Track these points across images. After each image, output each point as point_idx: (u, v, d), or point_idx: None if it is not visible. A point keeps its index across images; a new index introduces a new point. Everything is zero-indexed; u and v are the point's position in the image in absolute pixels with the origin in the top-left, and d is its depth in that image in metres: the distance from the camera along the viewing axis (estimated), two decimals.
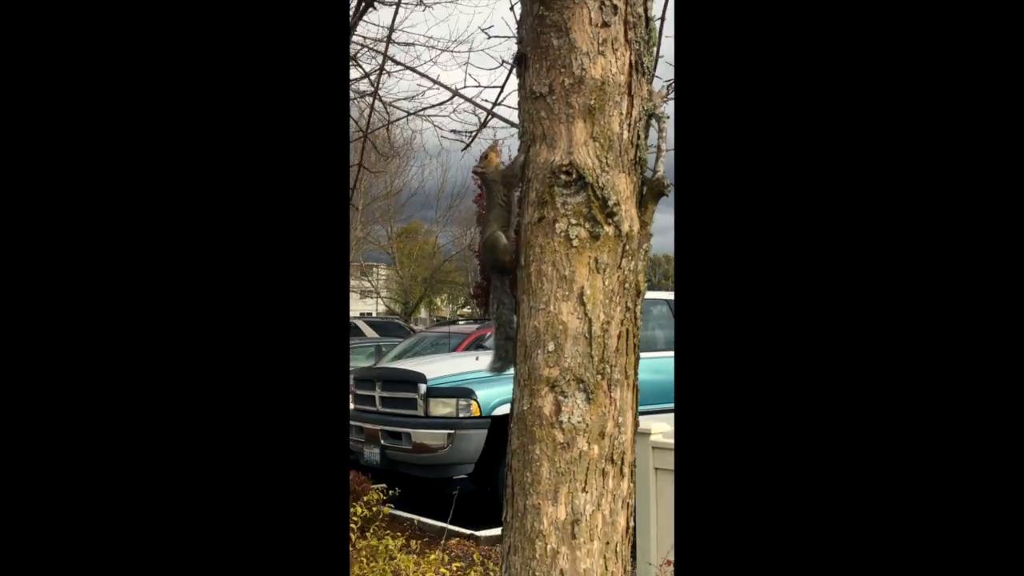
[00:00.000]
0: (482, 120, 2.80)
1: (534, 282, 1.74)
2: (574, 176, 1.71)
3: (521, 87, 1.82)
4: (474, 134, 2.78)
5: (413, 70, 2.37)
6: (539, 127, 1.76)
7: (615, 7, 1.72)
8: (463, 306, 32.99)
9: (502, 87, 2.60)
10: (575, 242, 1.71)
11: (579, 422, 1.68)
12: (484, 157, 1.96)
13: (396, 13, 2.25)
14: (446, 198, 28.42)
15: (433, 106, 2.42)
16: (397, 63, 2.38)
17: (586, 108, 1.72)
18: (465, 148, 2.90)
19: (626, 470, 1.74)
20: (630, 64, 1.75)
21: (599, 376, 1.70)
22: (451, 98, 2.35)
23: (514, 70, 2.88)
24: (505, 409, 6.21)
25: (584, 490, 1.67)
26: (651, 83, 1.82)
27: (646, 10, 1.79)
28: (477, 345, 8.39)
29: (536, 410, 1.70)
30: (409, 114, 2.69)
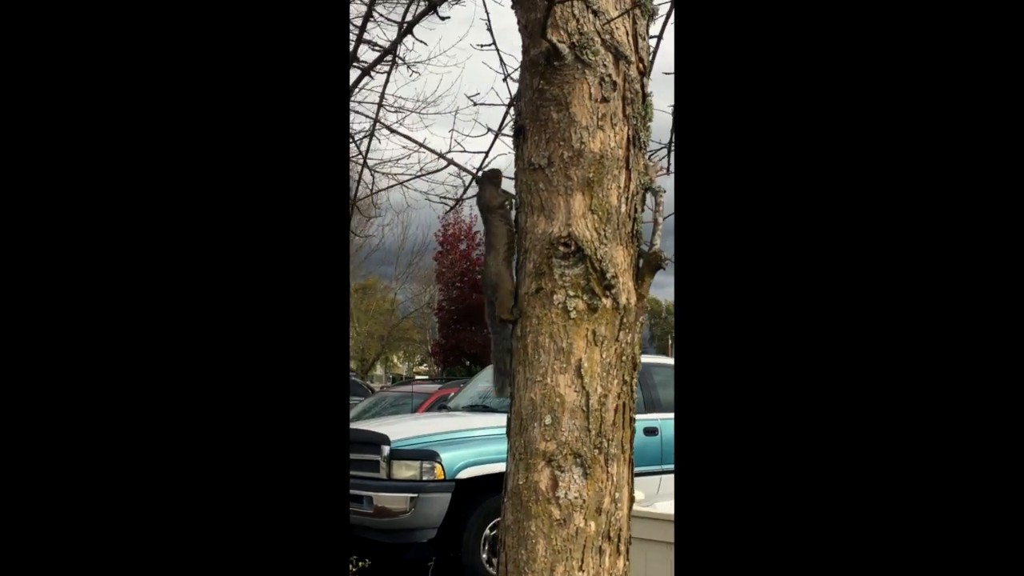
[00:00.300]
0: (467, 184, 2.79)
1: (531, 353, 1.72)
2: (572, 248, 1.71)
3: (519, 158, 1.83)
4: (459, 198, 2.77)
5: (409, 138, 2.37)
6: (537, 198, 1.77)
7: (614, 83, 1.75)
8: (420, 364, 32.73)
9: (487, 153, 2.59)
10: (573, 314, 1.70)
11: (576, 498, 1.65)
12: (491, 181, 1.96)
13: (388, 79, 2.26)
14: (406, 255, 28.38)
15: (427, 173, 2.41)
16: (391, 129, 2.37)
17: (585, 181, 1.73)
18: (450, 210, 2.90)
19: (622, 547, 1.71)
20: (628, 139, 1.77)
21: (596, 451, 1.67)
22: (446, 166, 2.35)
23: (497, 138, 2.90)
24: (470, 472, 6.13)
25: (581, 569, 1.64)
26: (647, 157, 1.84)
27: (643, 86, 1.82)
28: (440, 406, 8.30)
29: (532, 485, 1.67)
30: (400, 183, 2.68)
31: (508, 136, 2.75)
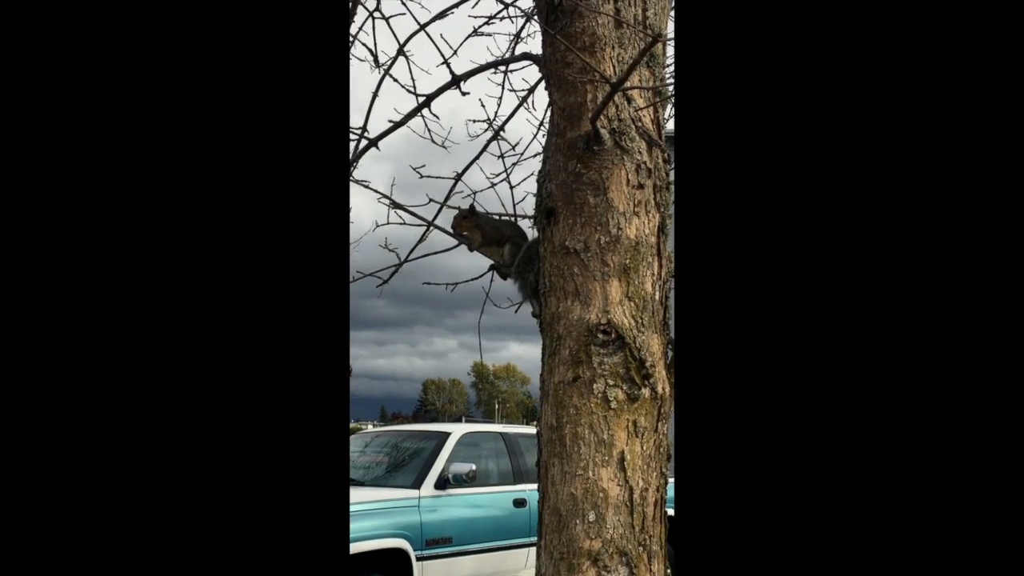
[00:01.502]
0: (401, 259, 2.68)
1: (569, 445, 1.64)
2: (613, 336, 1.67)
3: (548, 240, 1.77)
4: (395, 269, 2.64)
5: (416, 215, 2.23)
6: (571, 283, 1.71)
7: (649, 170, 1.75)
8: None
9: (429, 223, 2.50)
10: (613, 404, 1.65)
11: None
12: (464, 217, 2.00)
13: (357, 153, 2.13)
14: None
15: (441, 251, 2.28)
16: (397, 204, 2.22)
17: (621, 267, 1.70)
18: (382, 284, 2.77)
19: None
20: (658, 226, 1.77)
21: (640, 548, 1.61)
22: (456, 245, 2.23)
23: (442, 209, 2.83)
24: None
25: None
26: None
27: (667, 174, 1.83)
28: None
29: None
30: (401, 262, 2.50)
31: (453, 208, 2.69)
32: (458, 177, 2.72)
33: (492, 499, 6.21)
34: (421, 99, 2.23)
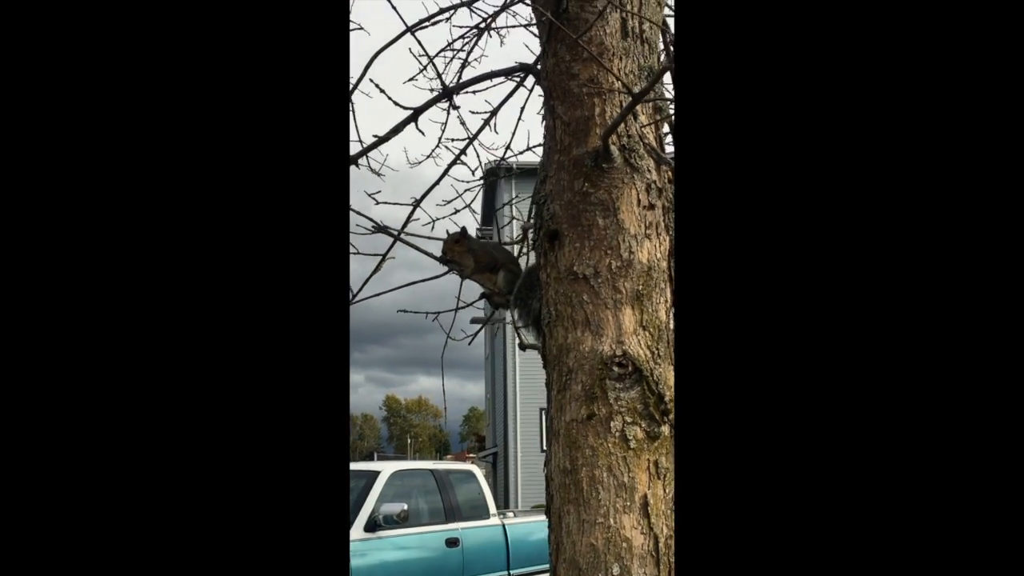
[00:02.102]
0: (354, 294, 2.49)
1: (586, 490, 1.49)
2: (629, 368, 1.53)
3: (551, 265, 1.62)
4: (355, 294, 2.45)
5: (418, 248, 2.04)
6: (580, 311, 1.57)
7: (660, 190, 1.63)
8: None
9: (383, 256, 2.32)
10: (632, 443, 1.50)
11: None
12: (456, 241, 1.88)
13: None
14: None
15: (429, 279, 2.09)
16: (388, 232, 2.03)
17: (634, 294, 1.57)
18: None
19: None
20: (669, 250, 1.65)
21: None
22: (446, 271, 2.05)
23: (396, 241, 2.65)
24: None
25: None
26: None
27: (674, 195, 1.72)
28: None
29: None
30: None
31: (413, 235, 2.52)
32: (416, 203, 2.55)
33: (424, 540, 5.99)
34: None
